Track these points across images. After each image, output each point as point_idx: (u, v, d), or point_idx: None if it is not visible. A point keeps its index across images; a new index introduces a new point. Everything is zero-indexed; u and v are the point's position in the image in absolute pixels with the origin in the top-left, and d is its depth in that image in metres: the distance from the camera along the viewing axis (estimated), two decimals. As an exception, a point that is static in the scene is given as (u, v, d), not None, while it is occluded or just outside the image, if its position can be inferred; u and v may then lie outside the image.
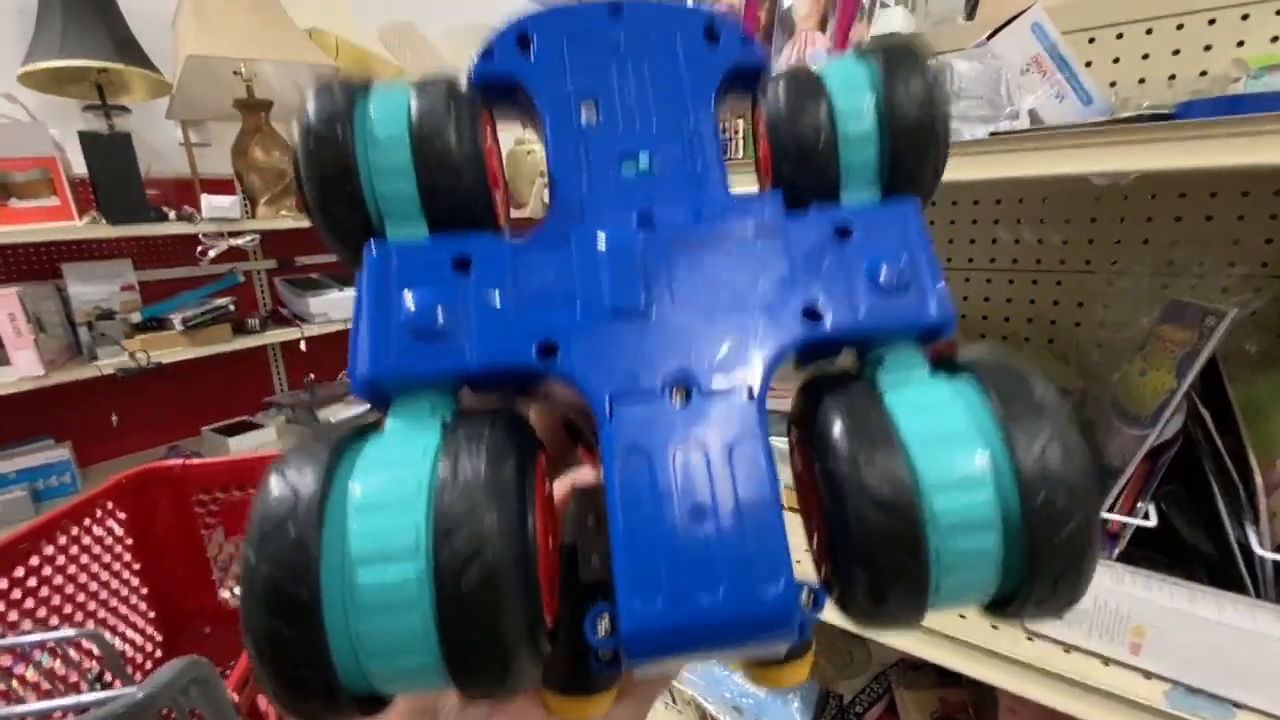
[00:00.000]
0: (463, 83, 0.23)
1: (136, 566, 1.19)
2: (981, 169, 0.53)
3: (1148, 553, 0.55)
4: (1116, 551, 0.60)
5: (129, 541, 1.18)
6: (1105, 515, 0.57)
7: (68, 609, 1.00)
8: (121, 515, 1.17)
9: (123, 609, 1.13)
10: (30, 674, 0.82)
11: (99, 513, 1.12)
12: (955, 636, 0.58)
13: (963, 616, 0.60)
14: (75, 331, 1.80)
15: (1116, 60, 0.72)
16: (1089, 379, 0.77)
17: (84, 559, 1.06)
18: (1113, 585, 0.54)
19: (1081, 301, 0.82)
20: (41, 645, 0.77)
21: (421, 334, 0.19)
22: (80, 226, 1.70)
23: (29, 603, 0.92)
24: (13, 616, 0.89)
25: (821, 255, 0.20)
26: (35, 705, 0.49)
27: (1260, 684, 0.47)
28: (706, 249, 0.20)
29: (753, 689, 0.90)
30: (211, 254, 1.95)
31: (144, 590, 1.19)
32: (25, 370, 1.59)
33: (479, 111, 0.22)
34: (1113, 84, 0.72)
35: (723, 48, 0.24)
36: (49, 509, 1.69)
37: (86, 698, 0.46)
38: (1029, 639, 0.57)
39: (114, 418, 1.98)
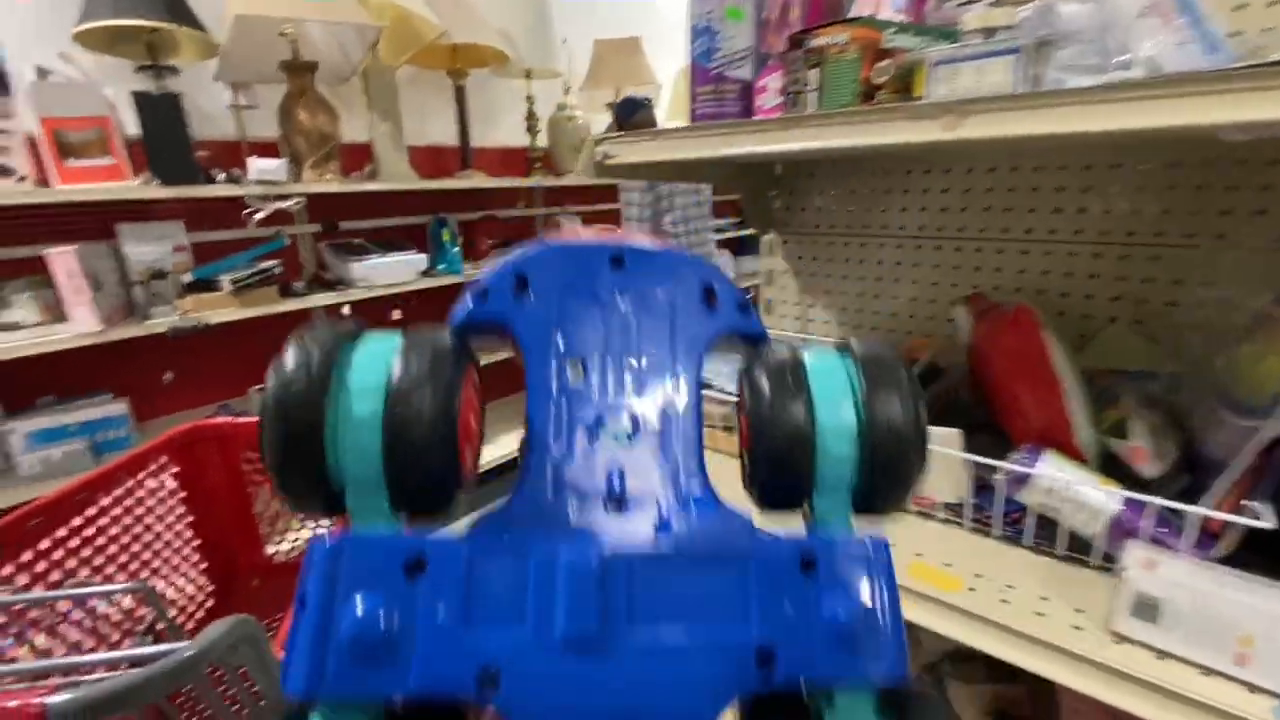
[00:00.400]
0: (446, 343, 0.22)
1: (189, 519, 1.22)
2: (1092, 119, 0.47)
3: (1265, 559, 0.50)
4: (1214, 552, 0.54)
5: (181, 495, 1.21)
6: (1206, 513, 0.51)
7: (123, 558, 1.03)
8: (174, 469, 1.20)
9: (175, 560, 1.16)
10: (85, 622, 0.85)
11: (153, 466, 1.15)
12: (1033, 635, 0.54)
13: (1040, 614, 0.56)
14: (130, 290, 1.84)
15: (1241, 7, 0.64)
16: (1183, 363, 0.70)
17: (139, 510, 1.09)
18: (1213, 589, 0.49)
19: (1179, 279, 0.75)
20: (95, 596, 0.79)
21: (361, 654, 0.18)
22: (134, 187, 1.73)
23: (86, 551, 0.95)
24: (71, 564, 0.92)
25: (783, 590, 0.19)
26: (91, 657, 0.49)
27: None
28: (670, 573, 0.19)
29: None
30: (258, 217, 1.96)
31: (196, 543, 1.22)
32: (83, 326, 1.64)
33: (460, 381, 0.22)
34: (1237, 34, 0.64)
35: (719, 313, 0.24)
36: (106, 461, 1.76)
37: (139, 651, 0.46)
38: (1116, 642, 0.52)
39: (167, 375, 2.05)
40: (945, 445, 0.64)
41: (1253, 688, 0.47)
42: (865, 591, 0.19)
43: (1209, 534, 0.56)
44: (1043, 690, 0.87)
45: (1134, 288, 0.79)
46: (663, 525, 0.21)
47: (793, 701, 0.20)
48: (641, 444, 0.22)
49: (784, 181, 1.06)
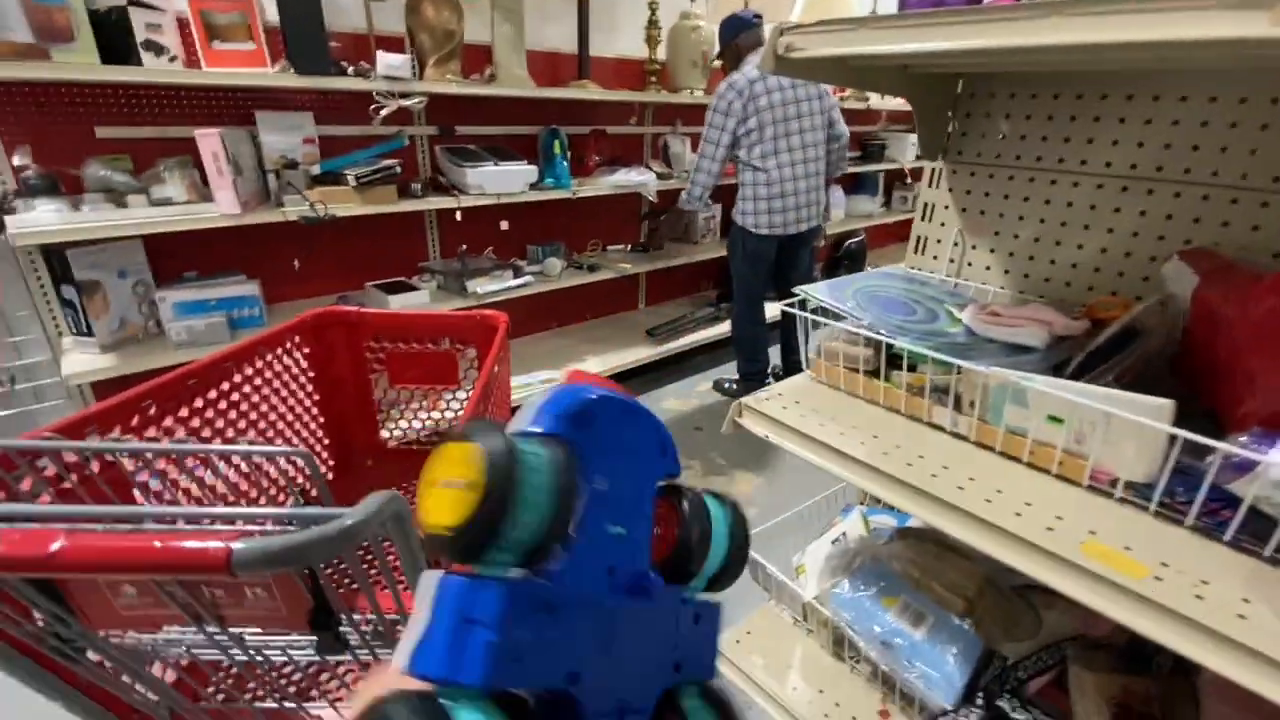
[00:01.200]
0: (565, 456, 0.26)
1: (316, 398, 1.30)
2: None
3: None
4: None
5: (311, 374, 1.29)
6: None
7: (261, 425, 1.12)
8: (306, 350, 1.27)
9: (304, 433, 1.25)
10: (244, 477, 0.92)
11: (288, 344, 1.22)
12: (1232, 638, 0.47)
13: (1242, 617, 0.49)
14: (265, 177, 1.93)
15: None
16: None
17: (275, 384, 1.17)
18: None
19: None
20: (260, 454, 0.84)
21: (509, 656, 0.22)
22: (272, 74, 1.77)
23: (232, 414, 1.02)
24: (219, 424, 1.00)
25: (686, 630, 0.30)
26: (264, 510, 0.52)
27: None
28: (638, 618, 0.28)
29: (909, 629, 0.84)
30: (383, 113, 1.98)
31: (321, 420, 1.31)
32: (226, 208, 1.74)
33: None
34: None
35: (668, 459, 0.31)
36: (242, 336, 1.91)
37: (308, 510, 0.48)
38: (1240, 616, 0.45)
39: (295, 262, 2.17)
40: (1150, 417, 0.55)
41: None
42: (717, 632, 0.32)
43: None
44: (1178, 688, 0.80)
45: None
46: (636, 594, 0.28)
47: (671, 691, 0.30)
48: (630, 540, 0.28)
49: (963, 102, 0.93)
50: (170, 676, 0.82)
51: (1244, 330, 0.56)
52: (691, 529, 0.30)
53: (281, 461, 0.97)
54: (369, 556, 0.59)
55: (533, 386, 2.50)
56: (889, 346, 0.78)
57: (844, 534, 1.01)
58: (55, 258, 1.72)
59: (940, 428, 0.74)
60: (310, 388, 1.29)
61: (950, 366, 0.69)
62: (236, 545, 0.40)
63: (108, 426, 0.78)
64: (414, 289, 2.23)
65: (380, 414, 1.40)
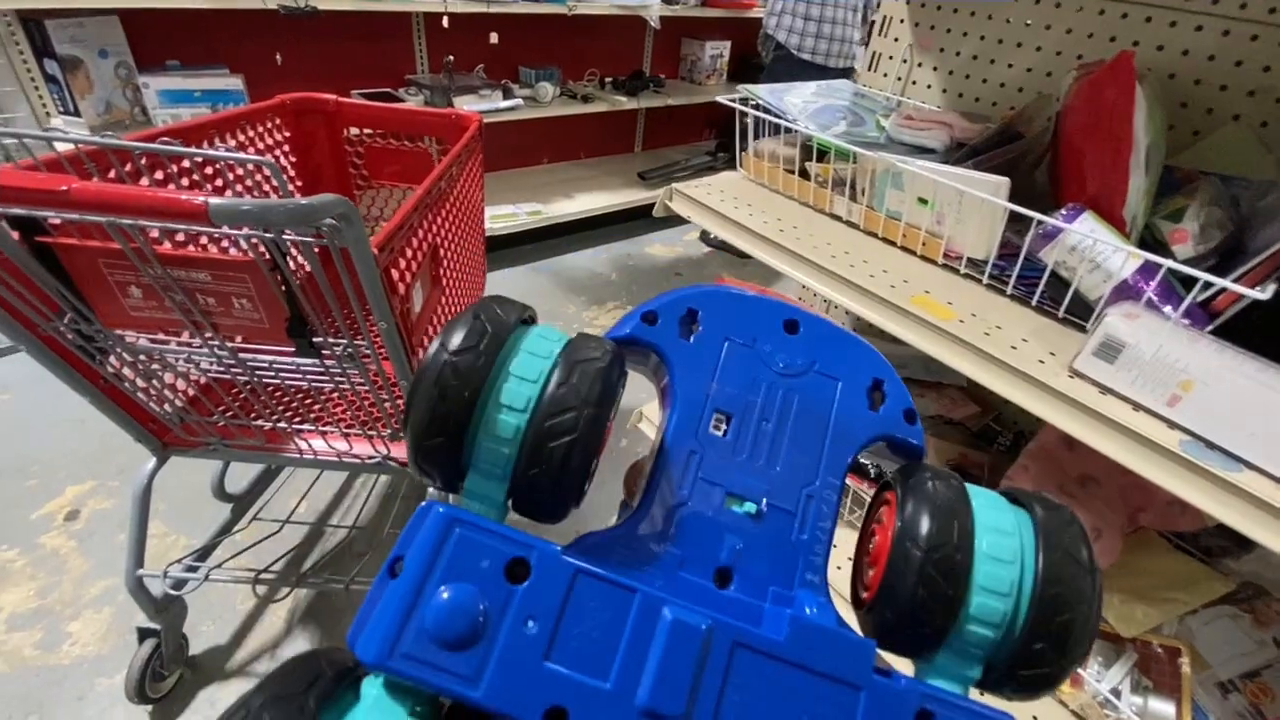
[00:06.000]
0: (609, 363, 0.21)
1: (299, 184, 1.38)
2: None
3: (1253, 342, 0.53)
4: (1210, 328, 0.57)
5: (294, 159, 1.36)
6: (1209, 278, 0.53)
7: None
8: (287, 134, 1.33)
9: (288, 214, 1.34)
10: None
11: (269, 124, 1.27)
12: (1000, 359, 0.60)
13: (1014, 348, 0.62)
14: (242, -42, 1.85)
15: None
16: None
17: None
18: (1179, 341, 0.52)
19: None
20: (229, 160, 0.93)
21: (440, 644, 0.18)
22: None
23: (219, 182, 1.11)
24: (208, 190, 1.08)
25: None
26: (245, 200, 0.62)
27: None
28: (772, 675, 0.18)
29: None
30: (363, -108, 1.85)
31: (304, 205, 1.40)
32: (203, -14, 1.69)
33: (614, 409, 0.21)
34: None
35: (883, 415, 0.22)
36: (229, 131, 1.93)
37: (272, 200, 0.58)
38: (1071, 376, 0.58)
39: (278, 56, 2.13)
40: (989, 192, 0.65)
41: (1172, 424, 0.53)
42: None
43: (1209, 312, 0.59)
44: (1006, 462, 0.97)
45: (1277, 82, 0.70)
46: (770, 620, 0.19)
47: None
48: (767, 528, 0.21)
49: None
50: (188, 397, 0.98)
51: (1079, 117, 0.64)
52: (920, 550, 0.20)
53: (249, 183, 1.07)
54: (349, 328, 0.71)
55: (518, 218, 2.56)
56: (810, 148, 0.86)
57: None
58: (34, 27, 1.70)
59: (838, 217, 0.84)
60: (293, 173, 1.37)
61: (850, 158, 0.78)
62: (213, 200, 0.51)
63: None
64: (399, 100, 2.21)
65: (365, 223, 1.48)
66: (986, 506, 0.21)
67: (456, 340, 0.21)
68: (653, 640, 0.18)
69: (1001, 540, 0.20)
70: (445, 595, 0.18)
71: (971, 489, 0.22)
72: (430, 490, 1.09)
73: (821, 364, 0.23)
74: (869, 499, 0.25)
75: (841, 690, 0.18)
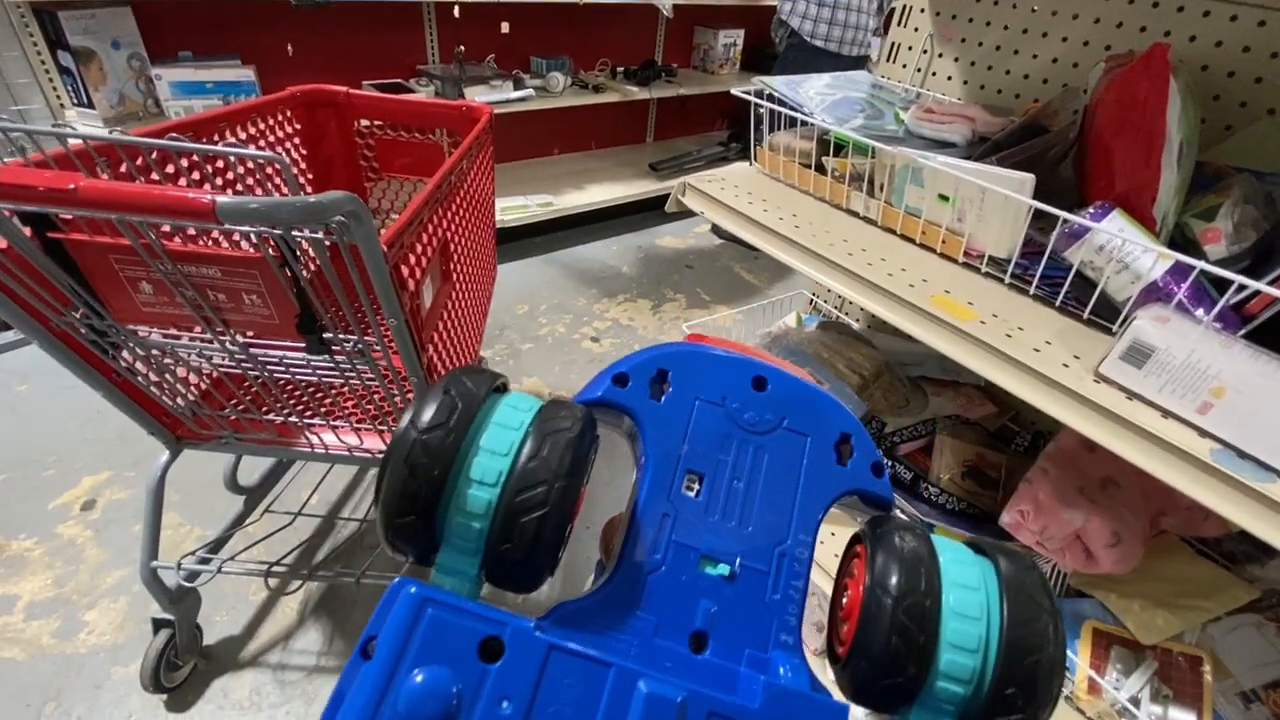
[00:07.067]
0: (581, 430, 0.21)
1: (310, 176, 1.38)
2: None
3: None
4: (1244, 332, 0.55)
5: (304, 151, 1.35)
6: (1244, 280, 0.51)
7: (258, 192, 1.20)
8: (298, 126, 1.32)
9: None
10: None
11: (279, 117, 1.27)
12: (1021, 361, 0.59)
13: (1037, 351, 0.60)
14: (253, -52, 1.84)
15: None
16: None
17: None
18: (1211, 345, 0.51)
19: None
20: (236, 155, 0.93)
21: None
22: None
23: (230, 175, 1.10)
24: (218, 183, 1.08)
25: None
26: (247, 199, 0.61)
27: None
28: None
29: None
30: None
31: (315, 198, 1.40)
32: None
33: (586, 475, 0.21)
34: None
35: (851, 469, 0.22)
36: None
37: (279, 198, 0.58)
38: (1096, 381, 0.57)
39: (289, 47, 2.12)
40: (1013, 190, 0.63)
41: (1203, 432, 0.52)
42: None
43: (1242, 315, 0.56)
44: (1024, 463, 0.95)
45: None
46: (744, 685, 0.19)
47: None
48: (741, 589, 0.21)
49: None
50: (200, 391, 0.98)
51: (1110, 111, 0.62)
52: (889, 604, 0.20)
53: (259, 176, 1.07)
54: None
55: (529, 209, 2.55)
56: (827, 141, 0.84)
57: (780, 324, 1.13)
58: (48, 18, 1.70)
59: (855, 213, 0.82)
60: (304, 165, 1.36)
61: (869, 152, 0.76)
62: (220, 198, 0.51)
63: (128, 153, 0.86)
64: (410, 91, 2.20)
65: (372, 203, 1.48)
66: (953, 561, 0.21)
67: (426, 417, 0.21)
68: (629, 715, 0.18)
69: (968, 596, 0.20)
70: (418, 679, 0.18)
71: (937, 540, 0.22)
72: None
73: (790, 420, 0.24)
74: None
75: None
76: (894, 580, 0.20)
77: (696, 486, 0.22)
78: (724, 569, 0.21)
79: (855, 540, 0.24)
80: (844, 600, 0.22)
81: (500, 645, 0.19)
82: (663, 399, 0.23)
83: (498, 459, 0.21)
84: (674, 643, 0.20)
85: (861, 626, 0.20)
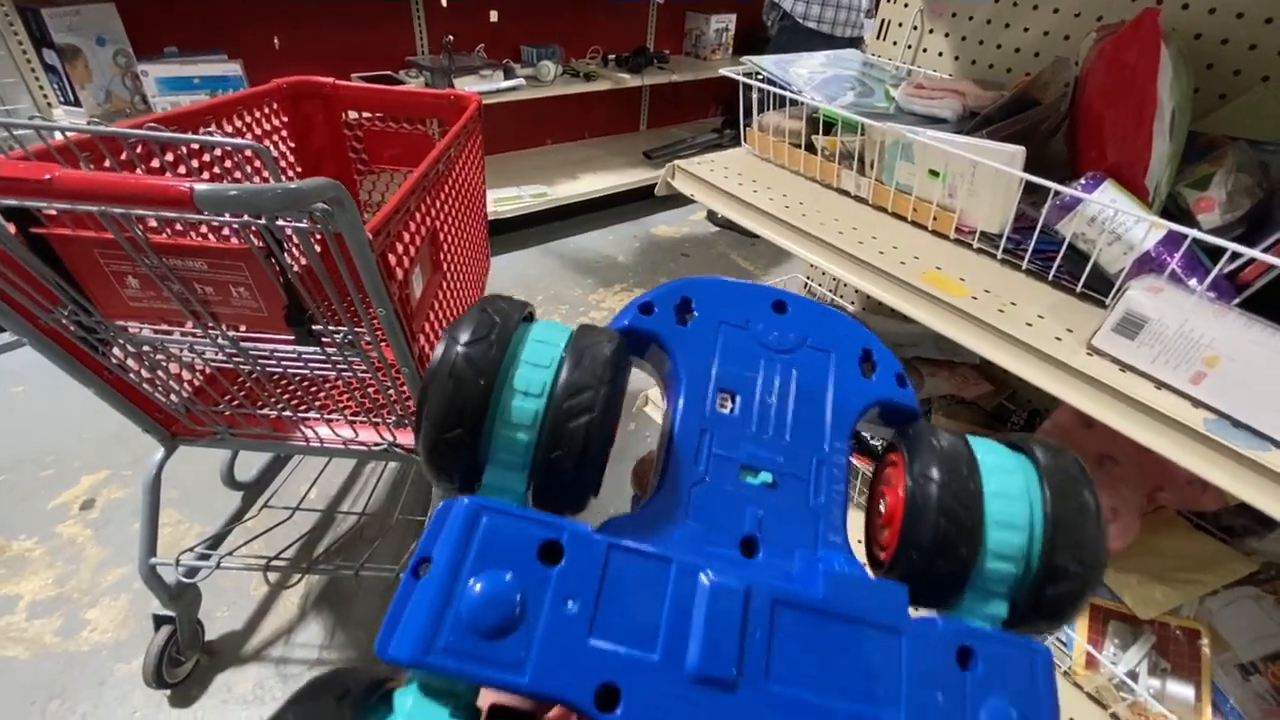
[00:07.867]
0: (619, 346, 0.21)
1: (299, 170, 1.37)
2: None
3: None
4: (1238, 300, 0.55)
5: (292, 145, 1.34)
6: (1237, 248, 0.51)
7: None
8: (285, 118, 1.31)
9: (289, 200, 1.33)
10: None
11: (266, 110, 1.26)
12: (1014, 336, 0.58)
13: (1029, 325, 0.60)
14: (236, -60, 1.82)
15: None
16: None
17: (256, 147, 1.23)
18: (1205, 315, 0.50)
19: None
20: (218, 144, 0.92)
21: (480, 634, 0.17)
22: None
23: (216, 170, 1.09)
24: (205, 178, 1.07)
25: (937, 682, 0.18)
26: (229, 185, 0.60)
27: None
28: (814, 629, 0.18)
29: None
30: None
31: (305, 192, 1.39)
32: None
33: (624, 389, 0.21)
34: None
35: (876, 381, 0.22)
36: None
37: (260, 185, 0.57)
38: (1089, 354, 0.56)
39: (275, 40, 2.10)
40: (1004, 163, 0.62)
41: (1196, 402, 0.51)
42: (1026, 701, 0.18)
43: (1236, 284, 0.56)
44: (1022, 443, 0.95)
45: (1312, 39, 0.67)
46: (800, 576, 0.20)
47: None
48: (784, 496, 0.21)
49: None
50: (193, 387, 0.98)
51: (1101, 79, 0.61)
52: (932, 494, 0.20)
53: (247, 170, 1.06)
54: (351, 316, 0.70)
55: (522, 200, 2.53)
56: (817, 120, 0.83)
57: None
58: (31, 16, 1.69)
59: (846, 192, 0.81)
60: (292, 158, 1.35)
61: (858, 129, 0.75)
62: (199, 185, 0.50)
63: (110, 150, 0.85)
64: (399, 83, 2.18)
65: (363, 196, 1.46)
66: (989, 452, 0.22)
67: (467, 333, 0.21)
68: (694, 607, 0.18)
69: (1008, 479, 0.21)
70: (480, 585, 0.18)
71: (971, 438, 0.23)
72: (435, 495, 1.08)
73: (813, 339, 0.24)
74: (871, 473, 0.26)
75: (884, 636, 0.18)
76: (935, 470, 0.20)
77: (730, 403, 0.23)
78: (766, 477, 0.22)
79: (888, 450, 0.24)
80: (881, 509, 0.23)
81: (559, 549, 0.18)
82: (689, 324, 0.24)
83: (541, 370, 0.21)
84: (725, 548, 0.21)
85: (908, 516, 0.21)
